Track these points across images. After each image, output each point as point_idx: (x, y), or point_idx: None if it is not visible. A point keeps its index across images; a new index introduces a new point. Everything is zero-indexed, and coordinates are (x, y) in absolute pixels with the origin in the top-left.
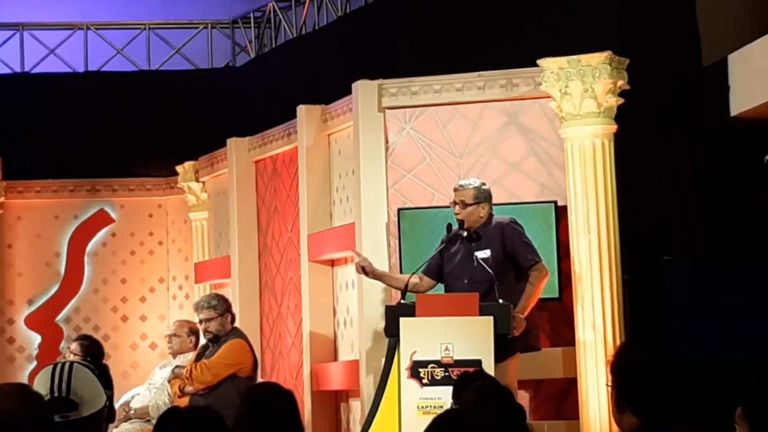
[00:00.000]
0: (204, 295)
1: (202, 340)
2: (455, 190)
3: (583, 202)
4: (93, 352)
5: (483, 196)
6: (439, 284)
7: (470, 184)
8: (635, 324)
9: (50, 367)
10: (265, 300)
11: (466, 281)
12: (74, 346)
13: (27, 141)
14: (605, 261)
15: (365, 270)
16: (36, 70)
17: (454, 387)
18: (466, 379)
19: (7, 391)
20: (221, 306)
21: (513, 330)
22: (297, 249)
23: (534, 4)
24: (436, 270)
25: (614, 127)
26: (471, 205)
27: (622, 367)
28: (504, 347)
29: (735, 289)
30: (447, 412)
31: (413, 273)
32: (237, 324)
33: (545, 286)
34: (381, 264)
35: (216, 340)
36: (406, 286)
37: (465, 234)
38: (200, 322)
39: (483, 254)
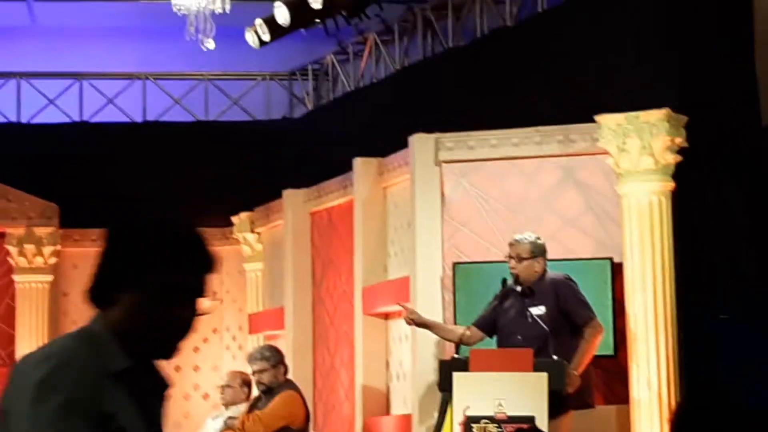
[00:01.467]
0: (257, 346)
1: (255, 392)
2: (511, 244)
3: (640, 259)
4: None
5: (539, 251)
6: (489, 339)
7: (526, 238)
8: (691, 382)
9: None
10: (318, 352)
11: (519, 337)
12: None
13: (84, 189)
14: (661, 318)
15: (414, 321)
16: (94, 119)
17: None
18: None
19: None
20: (274, 357)
21: (567, 387)
22: (351, 301)
23: (593, 61)
24: (489, 324)
25: (671, 185)
26: (526, 259)
27: (683, 426)
28: (558, 404)
29: None
30: None
31: (466, 327)
32: (290, 376)
33: (600, 343)
34: (435, 318)
35: (269, 392)
36: (460, 339)
37: (519, 289)
38: (253, 373)
39: (538, 310)
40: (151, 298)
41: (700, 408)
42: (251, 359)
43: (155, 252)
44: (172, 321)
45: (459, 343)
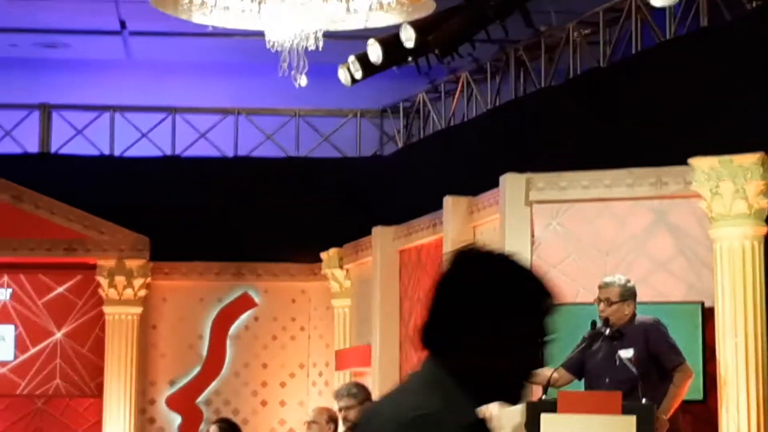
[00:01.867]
0: (345, 383)
1: (341, 428)
2: (600, 287)
3: (731, 304)
4: None
5: (628, 294)
6: (576, 381)
7: (616, 281)
8: None
9: None
10: None
11: (607, 380)
12: (213, 428)
13: (175, 223)
14: (752, 364)
15: None
16: (186, 154)
17: None
18: None
19: None
20: (361, 394)
21: (656, 431)
22: None
23: (686, 103)
24: (577, 366)
25: (765, 229)
26: (616, 303)
27: None
28: None
29: None
30: None
31: (554, 368)
32: None
33: (689, 388)
34: None
35: (355, 429)
36: (548, 381)
37: (608, 332)
38: (340, 410)
39: (626, 353)
40: (505, 342)
41: None
42: (338, 396)
43: (510, 293)
44: (524, 365)
45: (547, 386)
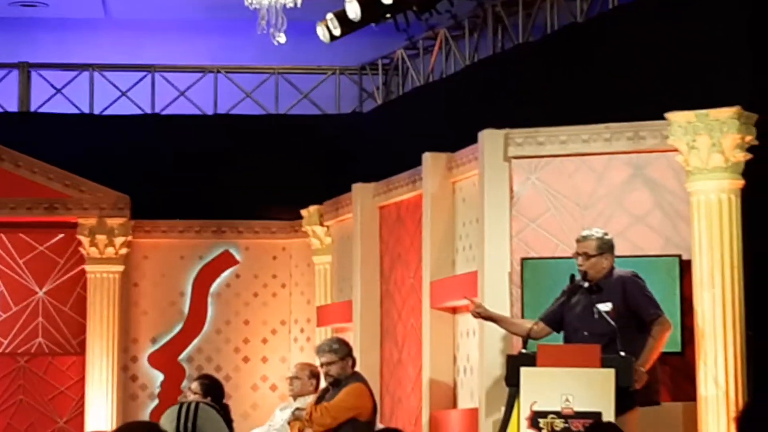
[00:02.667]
0: (326, 338)
1: (323, 383)
2: (578, 241)
3: (708, 257)
4: (213, 391)
5: (606, 247)
6: (555, 334)
7: (593, 235)
8: (759, 380)
9: (176, 407)
10: (385, 345)
11: (586, 333)
12: (195, 385)
13: (155, 181)
14: (729, 316)
15: (480, 314)
16: (166, 112)
17: None
18: (592, 430)
19: (137, 429)
20: (342, 350)
21: (635, 383)
22: (419, 296)
23: (664, 58)
24: (556, 319)
25: (741, 182)
26: (594, 256)
27: (749, 425)
28: (624, 400)
29: None
30: None
31: (534, 321)
32: (357, 368)
33: (667, 340)
34: (502, 312)
35: (336, 384)
36: (528, 334)
37: (586, 285)
38: (322, 365)
39: (604, 307)
40: None
41: (763, 409)
42: (320, 351)
43: None
44: None
45: (526, 338)
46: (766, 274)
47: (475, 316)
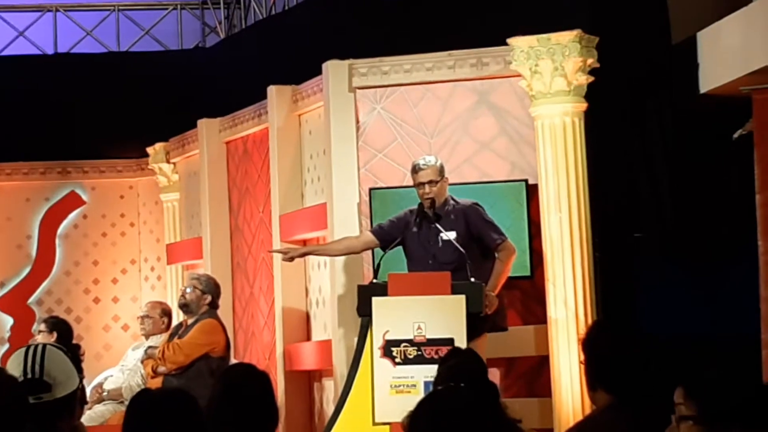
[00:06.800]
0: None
1: (175, 321)
2: (417, 171)
3: (554, 181)
4: (60, 331)
5: (444, 171)
6: (381, 250)
7: (431, 161)
8: (606, 302)
9: (23, 350)
10: (237, 281)
11: (431, 262)
12: (42, 327)
13: None
14: (576, 239)
15: (292, 257)
16: (5, 53)
17: (439, 363)
18: (450, 356)
19: None
20: (206, 284)
21: (485, 308)
22: (269, 229)
23: None
24: (386, 235)
25: (584, 105)
26: (438, 182)
27: (594, 346)
28: (473, 327)
29: (704, 267)
30: (429, 395)
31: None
32: None
33: (515, 264)
34: None
35: (185, 309)
36: (347, 249)
37: (431, 213)
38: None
39: (449, 236)
40: None
41: (604, 331)
42: (188, 277)
43: None
44: None
45: (346, 254)
46: (611, 195)
47: (289, 261)
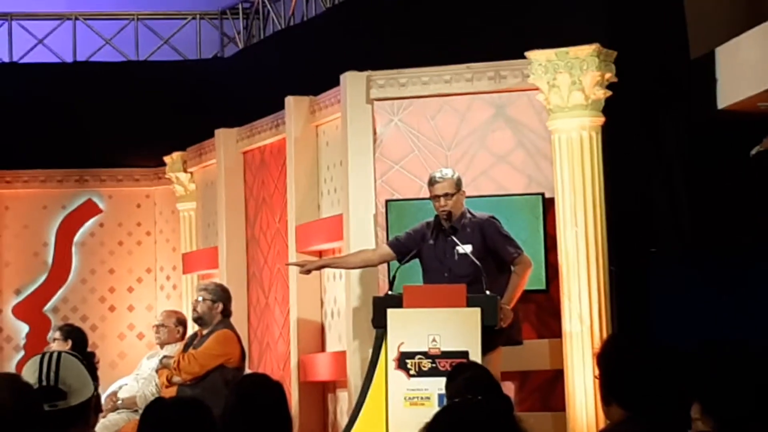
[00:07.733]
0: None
1: (190, 330)
2: (434, 183)
3: (571, 195)
4: (75, 340)
5: (461, 183)
6: (397, 262)
7: (448, 173)
8: (622, 316)
9: (38, 357)
10: (252, 291)
11: (446, 275)
12: (57, 334)
13: (15, 131)
14: (592, 253)
15: (309, 270)
16: (24, 60)
17: (448, 377)
18: (459, 370)
19: None
20: (216, 293)
21: (500, 321)
22: (285, 240)
23: None
24: (402, 247)
25: (602, 120)
26: (455, 194)
27: (608, 360)
28: (488, 340)
29: (721, 280)
30: (446, 407)
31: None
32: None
33: (531, 278)
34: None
35: (199, 322)
36: (364, 262)
37: (447, 226)
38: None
39: (465, 249)
40: None
41: (619, 345)
42: (197, 288)
43: None
44: None
45: (363, 267)
46: (627, 210)
47: (306, 274)
